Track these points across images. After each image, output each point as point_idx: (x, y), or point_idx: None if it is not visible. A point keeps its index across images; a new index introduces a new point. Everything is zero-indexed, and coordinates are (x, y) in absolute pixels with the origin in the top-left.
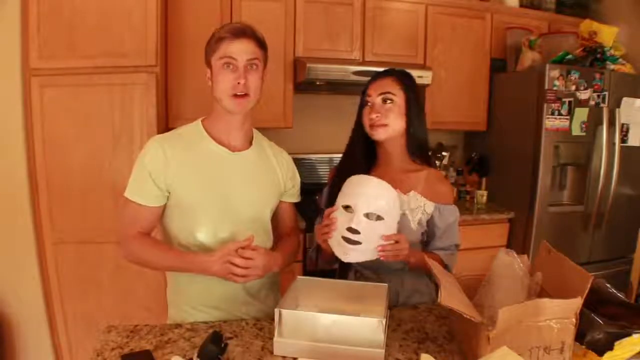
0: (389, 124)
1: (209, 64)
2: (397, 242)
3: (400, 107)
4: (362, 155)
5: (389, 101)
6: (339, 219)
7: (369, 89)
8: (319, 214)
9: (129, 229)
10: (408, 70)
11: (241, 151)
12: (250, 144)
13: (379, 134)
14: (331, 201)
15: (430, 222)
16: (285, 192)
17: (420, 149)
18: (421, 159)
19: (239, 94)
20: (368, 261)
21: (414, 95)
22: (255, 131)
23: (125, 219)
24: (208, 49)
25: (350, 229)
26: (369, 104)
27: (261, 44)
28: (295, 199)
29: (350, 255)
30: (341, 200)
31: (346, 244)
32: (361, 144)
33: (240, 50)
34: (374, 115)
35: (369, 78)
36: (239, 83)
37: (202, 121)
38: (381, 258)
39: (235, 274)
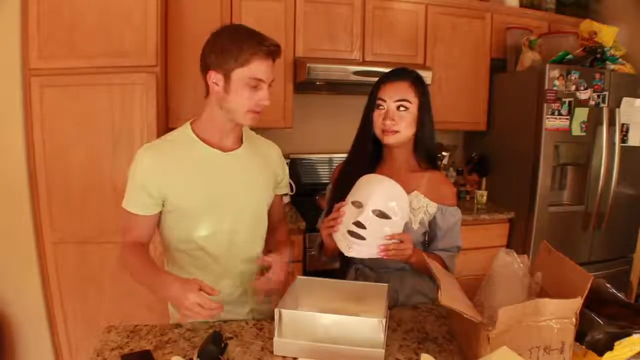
0: (401, 131)
1: (225, 73)
2: (401, 242)
3: (414, 114)
4: (368, 153)
5: (403, 108)
6: (347, 213)
7: (383, 92)
8: (321, 213)
9: (125, 238)
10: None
11: (233, 150)
12: (241, 142)
13: (389, 140)
14: (335, 197)
15: (432, 223)
16: (278, 184)
17: (427, 152)
18: (427, 162)
19: (257, 110)
20: (370, 259)
21: (427, 99)
22: (244, 127)
23: (123, 229)
24: (227, 57)
25: (357, 223)
26: (382, 108)
27: (277, 58)
28: (285, 190)
29: (353, 249)
30: (352, 196)
31: (351, 237)
32: (368, 143)
33: (269, 71)
34: (388, 122)
35: (369, 78)
36: (262, 103)
37: (191, 124)
38: (382, 256)
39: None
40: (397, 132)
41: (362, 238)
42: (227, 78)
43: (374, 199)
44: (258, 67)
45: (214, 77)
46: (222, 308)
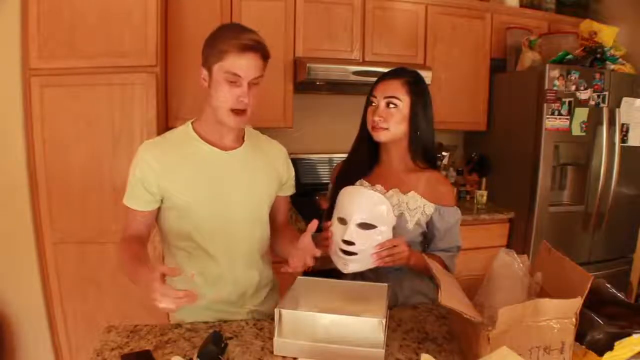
0: (390, 129)
1: (208, 68)
2: (394, 246)
3: (404, 112)
4: (366, 153)
5: (392, 105)
6: (336, 231)
7: (375, 89)
8: (321, 213)
9: (124, 233)
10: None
11: (234, 149)
12: (243, 140)
13: (379, 136)
14: (335, 196)
15: (429, 224)
16: (282, 185)
17: (424, 152)
18: (424, 162)
19: (239, 109)
20: None
21: (422, 99)
22: (246, 127)
23: (123, 225)
24: (209, 52)
25: (345, 241)
26: (374, 104)
27: (266, 56)
28: (291, 191)
29: (349, 266)
30: (336, 212)
31: (344, 255)
32: (366, 142)
33: (248, 67)
34: (376, 118)
35: (369, 78)
36: (241, 100)
37: (192, 123)
38: (379, 265)
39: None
40: (386, 129)
41: (354, 253)
42: (210, 73)
43: (355, 212)
44: (234, 61)
45: (203, 73)
46: (194, 296)
